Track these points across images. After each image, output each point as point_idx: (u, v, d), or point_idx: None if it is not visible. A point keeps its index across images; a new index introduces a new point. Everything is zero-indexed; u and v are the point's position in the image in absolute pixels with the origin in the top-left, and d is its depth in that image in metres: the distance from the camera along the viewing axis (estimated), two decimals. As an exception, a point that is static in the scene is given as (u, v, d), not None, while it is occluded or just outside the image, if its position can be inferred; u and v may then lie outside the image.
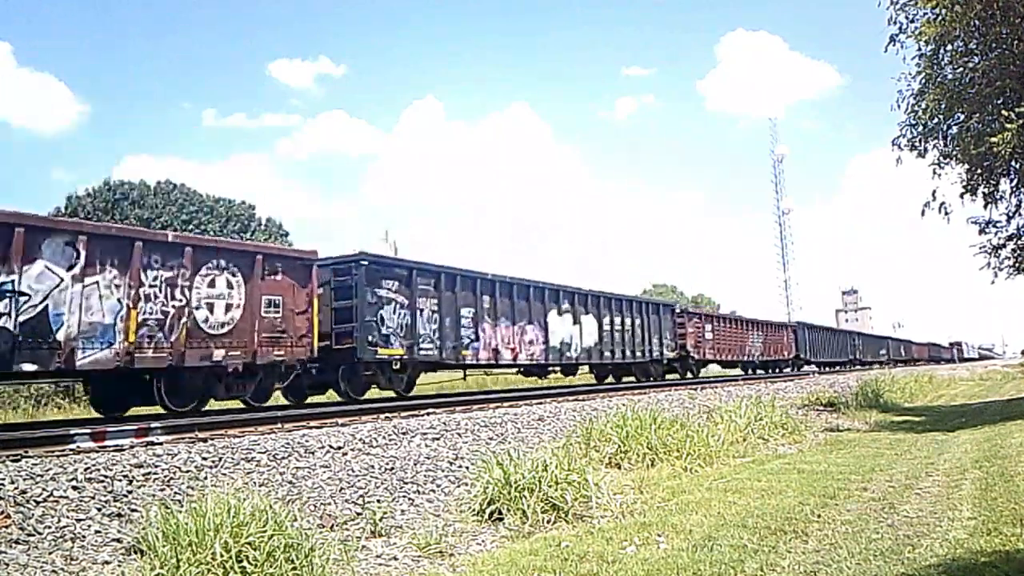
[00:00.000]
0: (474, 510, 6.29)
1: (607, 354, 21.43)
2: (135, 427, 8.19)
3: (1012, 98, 12.76)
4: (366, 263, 13.56)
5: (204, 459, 6.81)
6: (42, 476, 5.74)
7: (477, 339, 16.25)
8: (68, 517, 5.17)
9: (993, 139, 11.87)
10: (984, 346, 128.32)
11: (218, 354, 10.82)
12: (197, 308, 10.60)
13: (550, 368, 19.71)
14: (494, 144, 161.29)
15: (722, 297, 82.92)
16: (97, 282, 9.49)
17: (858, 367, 45.24)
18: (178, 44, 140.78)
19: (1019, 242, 15.17)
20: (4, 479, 5.55)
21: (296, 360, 11.98)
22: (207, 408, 11.48)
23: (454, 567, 4.98)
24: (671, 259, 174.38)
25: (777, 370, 35.60)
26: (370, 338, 13.40)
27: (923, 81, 14.12)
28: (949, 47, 13.56)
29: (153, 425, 8.43)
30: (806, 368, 38.70)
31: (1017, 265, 15.32)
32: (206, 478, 6.36)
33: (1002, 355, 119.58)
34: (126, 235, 10.21)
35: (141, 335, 9.88)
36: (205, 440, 7.78)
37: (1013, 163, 13.85)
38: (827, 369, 40.70)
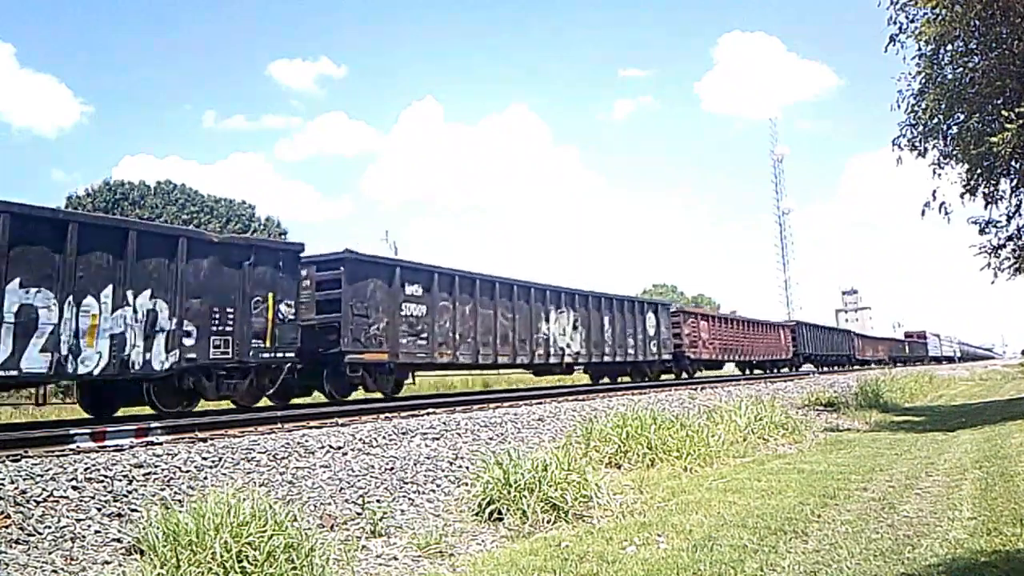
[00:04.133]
0: (474, 510, 6.29)
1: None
2: (135, 427, 8.18)
3: (1012, 98, 12.74)
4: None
5: (204, 459, 6.80)
6: (42, 476, 5.73)
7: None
8: (68, 517, 5.16)
9: (993, 139, 11.86)
10: (983, 345, 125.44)
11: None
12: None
13: None
14: (493, 145, 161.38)
15: (722, 297, 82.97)
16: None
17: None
18: (178, 44, 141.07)
19: (1019, 242, 15.16)
20: (4, 479, 5.55)
21: None
22: (207, 408, 11.47)
23: (454, 567, 4.98)
24: (671, 259, 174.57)
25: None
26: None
27: (923, 81, 14.10)
28: (949, 47, 13.54)
29: (153, 425, 8.42)
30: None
31: (1017, 265, 15.32)
32: (206, 478, 6.36)
33: (1001, 355, 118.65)
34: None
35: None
36: (205, 440, 7.76)
37: (1013, 163, 13.84)
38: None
